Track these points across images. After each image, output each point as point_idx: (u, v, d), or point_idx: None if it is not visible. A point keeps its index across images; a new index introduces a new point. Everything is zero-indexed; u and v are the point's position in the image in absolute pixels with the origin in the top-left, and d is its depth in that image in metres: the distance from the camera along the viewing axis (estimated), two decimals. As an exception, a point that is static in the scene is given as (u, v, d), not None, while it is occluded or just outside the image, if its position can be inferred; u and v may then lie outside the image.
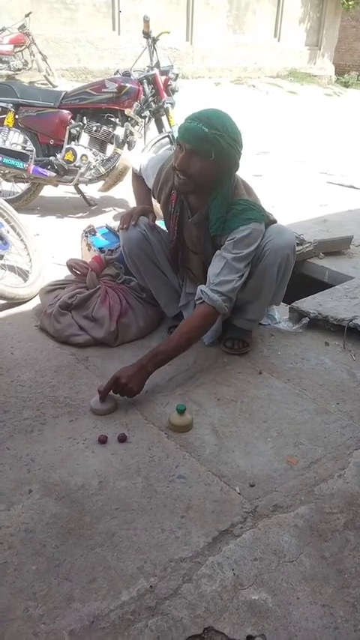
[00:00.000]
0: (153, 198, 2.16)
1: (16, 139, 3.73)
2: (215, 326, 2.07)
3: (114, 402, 1.78)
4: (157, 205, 2.15)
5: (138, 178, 2.19)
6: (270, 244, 1.91)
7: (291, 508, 1.44)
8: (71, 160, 3.53)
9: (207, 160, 1.71)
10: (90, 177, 3.64)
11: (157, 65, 3.69)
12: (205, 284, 1.94)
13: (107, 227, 2.72)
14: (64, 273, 2.53)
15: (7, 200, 3.18)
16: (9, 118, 3.55)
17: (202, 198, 1.87)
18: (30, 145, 3.66)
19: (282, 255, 1.93)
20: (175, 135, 1.70)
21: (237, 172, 1.86)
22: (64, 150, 3.54)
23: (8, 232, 2.59)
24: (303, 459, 1.61)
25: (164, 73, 3.68)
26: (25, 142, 3.70)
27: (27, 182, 3.72)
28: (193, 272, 2.11)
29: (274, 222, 2.00)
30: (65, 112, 3.55)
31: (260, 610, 1.18)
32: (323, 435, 1.72)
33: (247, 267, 1.89)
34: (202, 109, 1.75)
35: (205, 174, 1.75)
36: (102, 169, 3.62)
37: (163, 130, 3.78)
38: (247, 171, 4.53)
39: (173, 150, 1.98)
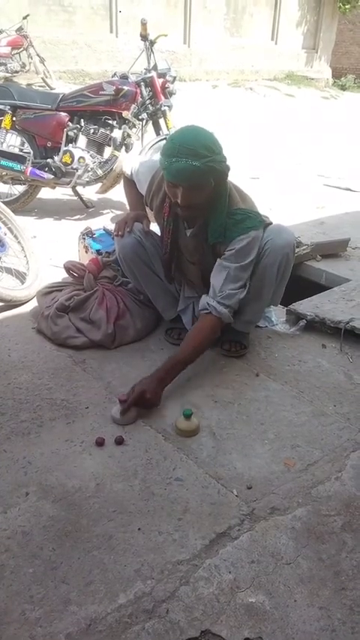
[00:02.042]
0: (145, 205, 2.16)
1: (13, 142, 3.72)
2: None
3: (136, 411, 1.76)
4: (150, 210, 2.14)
5: (130, 183, 2.17)
6: (270, 244, 1.92)
7: (288, 510, 1.44)
8: (69, 162, 3.53)
9: (208, 187, 1.72)
10: (87, 180, 3.64)
11: (155, 68, 3.70)
12: (204, 291, 1.96)
13: (105, 229, 2.72)
14: (61, 276, 2.52)
15: (4, 202, 3.18)
16: (6, 120, 3.55)
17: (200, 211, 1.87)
18: (27, 148, 3.65)
19: (282, 254, 1.93)
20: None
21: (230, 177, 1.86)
22: (61, 152, 3.55)
23: (5, 234, 2.58)
24: (300, 461, 1.62)
25: (162, 75, 3.69)
26: (23, 144, 3.69)
27: (24, 184, 3.72)
28: (191, 280, 2.11)
29: (271, 224, 2.00)
30: (63, 114, 3.55)
31: (257, 613, 1.18)
32: (320, 437, 1.72)
33: (248, 275, 1.91)
34: (174, 136, 1.69)
35: (208, 198, 1.77)
36: (99, 172, 3.62)
37: (161, 132, 3.78)
38: (244, 173, 4.55)
39: None
